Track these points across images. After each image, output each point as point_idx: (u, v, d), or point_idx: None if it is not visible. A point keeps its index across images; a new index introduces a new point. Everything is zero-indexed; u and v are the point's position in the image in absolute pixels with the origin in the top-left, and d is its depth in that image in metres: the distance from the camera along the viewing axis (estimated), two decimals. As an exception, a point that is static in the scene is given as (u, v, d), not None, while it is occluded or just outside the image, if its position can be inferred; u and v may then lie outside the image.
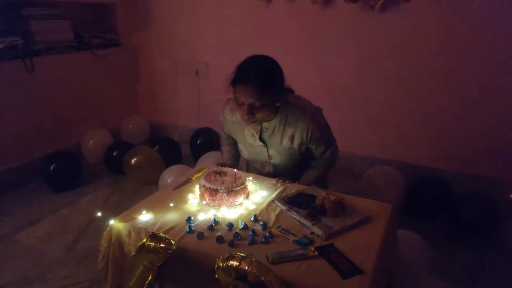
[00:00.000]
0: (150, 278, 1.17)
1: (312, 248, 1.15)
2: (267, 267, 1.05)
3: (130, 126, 3.42)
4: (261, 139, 1.69)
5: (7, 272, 1.86)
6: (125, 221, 1.30)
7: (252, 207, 1.42)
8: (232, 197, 1.41)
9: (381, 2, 2.55)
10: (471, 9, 2.39)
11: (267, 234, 1.23)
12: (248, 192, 1.50)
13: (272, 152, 1.71)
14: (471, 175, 2.60)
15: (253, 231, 1.24)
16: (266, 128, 1.66)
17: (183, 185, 1.58)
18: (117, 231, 1.29)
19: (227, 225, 1.28)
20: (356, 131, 2.92)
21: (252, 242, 1.21)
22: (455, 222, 2.23)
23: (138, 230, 1.27)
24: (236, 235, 1.23)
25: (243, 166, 1.96)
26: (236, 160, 1.91)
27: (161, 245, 1.15)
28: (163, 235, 1.18)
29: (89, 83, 3.16)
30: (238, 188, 1.41)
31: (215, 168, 1.57)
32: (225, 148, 1.93)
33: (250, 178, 1.61)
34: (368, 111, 2.85)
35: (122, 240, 1.29)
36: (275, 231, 1.27)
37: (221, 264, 1.07)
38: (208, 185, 1.41)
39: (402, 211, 2.38)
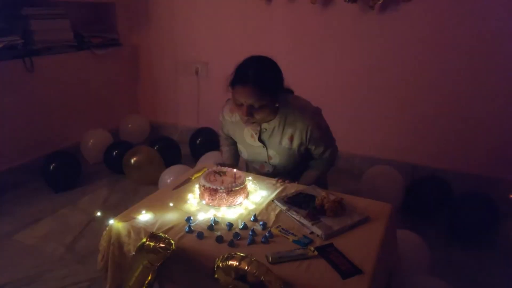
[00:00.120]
0: (149, 278, 1.17)
1: (312, 248, 1.15)
2: (266, 267, 1.05)
3: (129, 125, 3.41)
4: (260, 139, 1.69)
5: (6, 272, 1.85)
6: (124, 221, 1.30)
7: (251, 207, 1.42)
8: (231, 197, 1.40)
9: (380, 2, 2.55)
10: (471, 9, 2.39)
11: (266, 234, 1.23)
12: (248, 192, 1.50)
13: (271, 152, 1.71)
14: (471, 175, 2.60)
15: (253, 231, 1.24)
16: (266, 129, 1.65)
17: (183, 185, 1.58)
18: (116, 231, 1.29)
19: (226, 225, 1.28)
20: (356, 131, 2.92)
21: (252, 242, 1.20)
22: (455, 222, 2.23)
23: (138, 230, 1.27)
24: (236, 235, 1.23)
25: (242, 166, 1.96)
26: (235, 160, 1.91)
27: (161, 245, 1.15)
28: (162, 235, 1.18)
29: (89, 82, 3.16)
30: (237, 188, 1.41)
31: (214, 168, 1.57)
32: (225, 148, 1.93)
33: (250, 178, 1.61)
34: (368, 111, 2.85)
35: (122, 240, 1.29)
36: (274, 231, 1.27)
37: (220, 264, 1.07)
38: (207, 185, 1.41)
39: (402, 211, 2.38)
